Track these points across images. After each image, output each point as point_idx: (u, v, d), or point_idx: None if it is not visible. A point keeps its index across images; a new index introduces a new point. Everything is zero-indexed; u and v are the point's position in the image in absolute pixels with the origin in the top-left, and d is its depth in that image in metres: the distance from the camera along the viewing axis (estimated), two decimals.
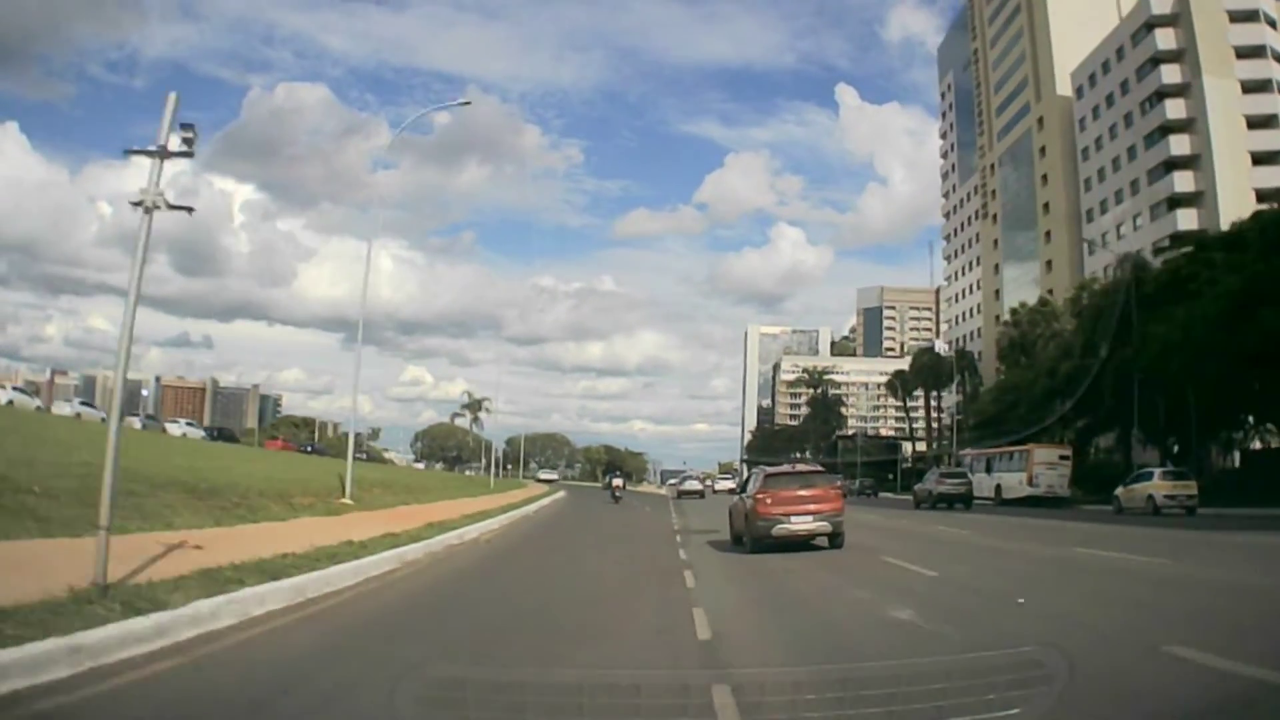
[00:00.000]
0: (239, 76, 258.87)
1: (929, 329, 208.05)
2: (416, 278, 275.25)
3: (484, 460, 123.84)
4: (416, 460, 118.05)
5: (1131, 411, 42.17)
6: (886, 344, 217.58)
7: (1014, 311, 68.09)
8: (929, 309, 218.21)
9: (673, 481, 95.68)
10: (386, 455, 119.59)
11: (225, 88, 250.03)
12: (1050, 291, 75.54)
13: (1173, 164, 69.13)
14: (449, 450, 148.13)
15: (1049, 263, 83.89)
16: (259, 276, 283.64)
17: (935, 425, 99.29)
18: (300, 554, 10.48)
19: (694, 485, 66.13)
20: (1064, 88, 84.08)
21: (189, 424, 61.37)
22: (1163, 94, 70.48)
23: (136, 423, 54.65)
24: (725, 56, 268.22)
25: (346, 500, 20.45)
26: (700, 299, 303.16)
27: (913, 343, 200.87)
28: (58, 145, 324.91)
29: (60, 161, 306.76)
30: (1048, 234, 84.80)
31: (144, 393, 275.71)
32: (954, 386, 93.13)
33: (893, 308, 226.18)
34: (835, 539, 16.81)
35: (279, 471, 25.32)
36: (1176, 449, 45.62)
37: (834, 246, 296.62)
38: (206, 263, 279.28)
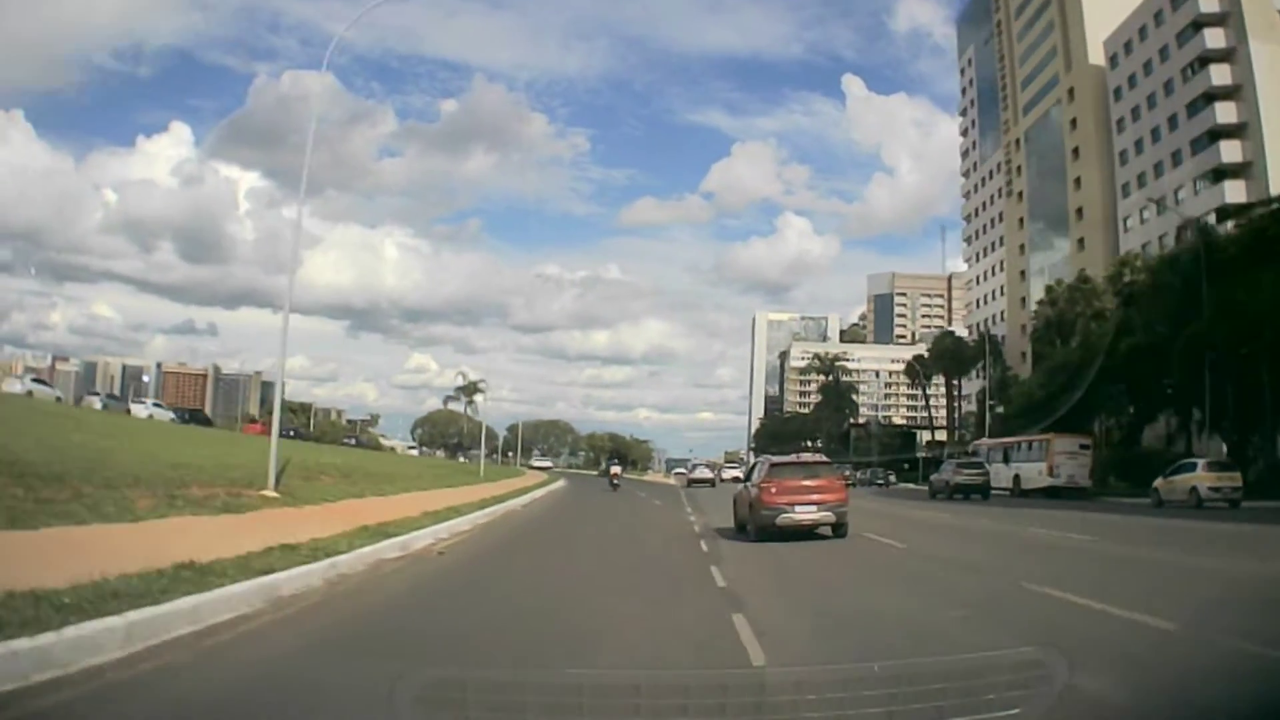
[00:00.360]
0: (244, 64, 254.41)
1: (941, 316, 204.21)
2: (422, 265, 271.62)
3: (485, 446, 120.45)
4: (411, 447, 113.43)
5: (1194, 394, 37.77)
6: (898, 331, 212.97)
7: (1049, 290, 63.40)
8: (941, 295, 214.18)
9: (679, 471, 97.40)
10: (385, 442, 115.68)
11: (231, 75, 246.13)
12: (1083, 271, 70.71)
13: (1218, 133, 64.33)
14: (450, 437, 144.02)
15: (1080, 241, 78.98)
16: (264, 264, 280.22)
17: (957, 412, 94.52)
18: (45, 592, 5.93)
19: (705, 474, 65.65)
20: (1096, 56, 79.06)
21: (156, 405, 57.08)
22: (1206, 59, 65.66)
23: (96, 402, 51.18)
24: (732, 46, 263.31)
25: (269, 492, 15.93)
26: (706, 288, 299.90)
27: (924, 330, 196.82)
28: (63, 133, 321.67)
29: (65, 149, 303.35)
30: (1079, 211, 79.83)
31: (145, 379, 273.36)
32: (977, 372, 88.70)
33: (904, 294, 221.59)
34: (839, 529, 17.09)
35: (209, 457, 20.78)
36: (1235, 437, 41.38)
37: (840, 236, 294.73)
38: (211, 250, 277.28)
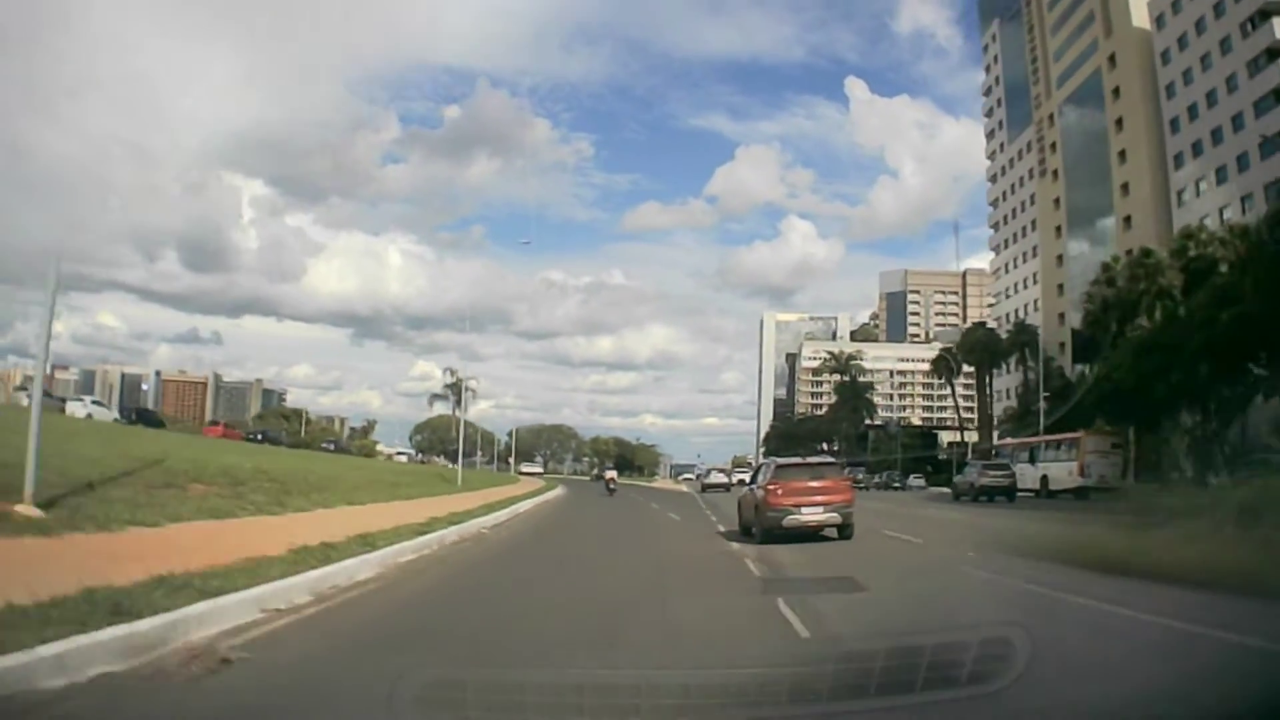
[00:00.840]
0: None
1: (956, 314, 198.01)
2: (425, 272, 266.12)
3: (481, 452, 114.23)
4: (400, 453, 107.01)
5: None
6: (911, 330, 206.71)
7: (1107, 267, 56.51)
8: (955, 293, 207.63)
9: (687, 476, 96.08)
10: (384, 449, 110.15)
11: None
12: (1129, 252, 63.95)
13: None
14: (449, 443, 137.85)
15: (1127, 219, 72.13)
16: (268, 272, 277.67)
17: (990, 409, 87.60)
18: None
19: (720, 478, 62.40)
20: (1139, 18, 72.54)
21: (96, 403, 50.65)
22: (1267, 12, 59.35)
23: (24, 399, 45.18)
24: (734, 50, 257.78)
25: (23, 508, 9.35)
26: (710, 292, 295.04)
27: (939, 328, 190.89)
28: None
29: None
30: (1124, 186, 73.02)
31: (144, 387, 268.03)
32: (1009, 365, 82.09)
33: (917, 291, 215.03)
34: (845, 530, 17.09)
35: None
36: None
37: (844, 239, 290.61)
38: (215, 259, 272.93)
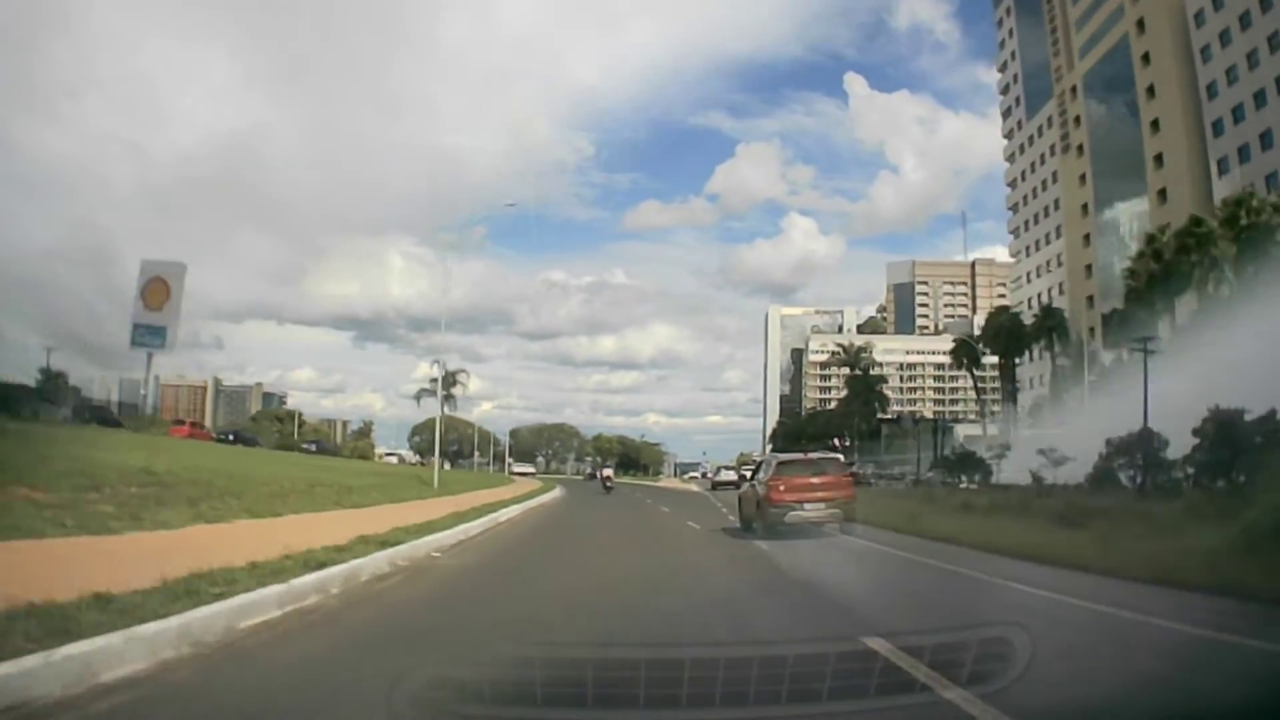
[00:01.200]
0: None
1: (965, 305, 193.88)
2: (426, 274, 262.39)
3: (479, 453, 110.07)
4: (389, 454, 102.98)
5: None
6: (920, 322, 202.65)
7: (1152, 239, 52.15)
8: (964, 283, 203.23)
9: (692, 474, 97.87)
10: (380, 450, 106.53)
11: None
12: (1167, 226, 59.25)
13: None
14: (448, 444, 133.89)
15: (1162, 191, 67.43)
16: (269, 275, 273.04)
17: (1015, 397, 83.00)
18: None
19: (729, 475, 61.41)
20: None
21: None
22: None
23: None
24: (732, 47, 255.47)
25: None
26: (713, 291, 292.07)
27: (948, 319, 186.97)
28: None
29: None
30: (1158, 157, 68.32)
31: (142, 392, 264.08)
32: (1034, 353, 77.47)
33: (925, 283, 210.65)
34: (846, 526, 17.34)
35: None
36: None
37: (846, 235, 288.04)
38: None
